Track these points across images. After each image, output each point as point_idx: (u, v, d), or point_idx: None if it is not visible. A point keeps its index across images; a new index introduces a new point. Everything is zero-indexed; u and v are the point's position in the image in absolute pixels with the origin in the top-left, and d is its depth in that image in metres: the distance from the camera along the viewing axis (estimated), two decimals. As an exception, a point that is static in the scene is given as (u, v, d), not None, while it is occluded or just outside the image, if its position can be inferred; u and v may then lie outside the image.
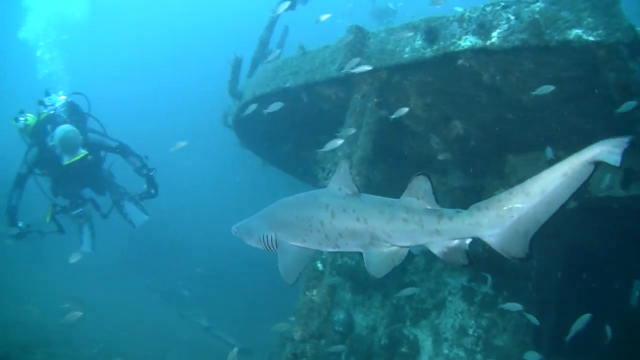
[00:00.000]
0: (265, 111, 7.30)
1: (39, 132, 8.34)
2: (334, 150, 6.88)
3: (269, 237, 3.59)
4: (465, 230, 2.78)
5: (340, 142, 6.67)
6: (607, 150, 2.34)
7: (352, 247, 3.21)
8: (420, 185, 2.91)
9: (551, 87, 5.79)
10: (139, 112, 44.75)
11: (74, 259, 9.14)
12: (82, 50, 41.58)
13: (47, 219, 8.44)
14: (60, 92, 9.07)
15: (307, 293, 6.14)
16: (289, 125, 9.11)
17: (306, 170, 10.17)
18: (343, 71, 7.00)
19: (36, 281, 15.16)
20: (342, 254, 6.20)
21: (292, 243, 3.48)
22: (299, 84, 7.75)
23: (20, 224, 8.07)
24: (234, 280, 21.54)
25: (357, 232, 3.13)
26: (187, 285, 20.60)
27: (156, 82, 49.18)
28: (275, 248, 3.57)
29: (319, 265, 6.23)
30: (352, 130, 6.75)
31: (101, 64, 51.77)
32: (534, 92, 5.86)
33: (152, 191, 8.69)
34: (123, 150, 8.66)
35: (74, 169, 8.01)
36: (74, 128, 7.90)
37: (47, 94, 8.91)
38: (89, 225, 9.17)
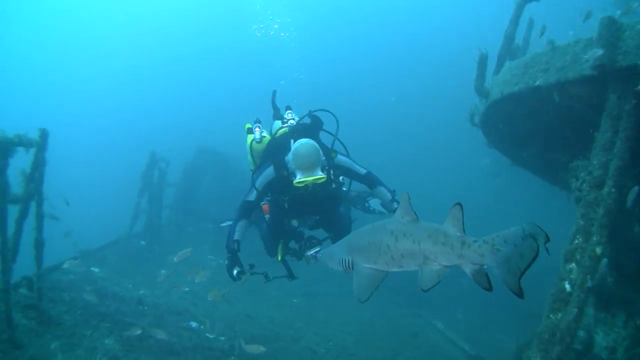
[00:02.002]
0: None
1: (277, 148, 6.91)
2: (587, 159, 6.25)
3: (347, 260, 4.35)
4: (476, 257, 3.36)
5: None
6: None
7: (412, 266, 3.82)
8: (456, 213, 3.54)
9: None
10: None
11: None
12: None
13: (278, 258, 7.05)
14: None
15: (551, 316, 5.60)
16: (539, 127, 8.44)
17: (556, 175, 9.42)
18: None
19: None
20: (593, 275, 5.59)
21: (366, 265, 4.12)
22: (549, 82, 6.98)
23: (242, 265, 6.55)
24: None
25: (414, 253, 3.74)
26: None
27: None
28: (351, 269, 4.29)
29: (567, 286, 5.65)
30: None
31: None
32: None
33: None
34: (371, 180, 7.12)
35: (309, 196, 6.44)
36: (315, 143, 6.34)
37: (288, 107, 7.68)
38: None
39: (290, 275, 6.96)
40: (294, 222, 7.17)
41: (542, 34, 9.63)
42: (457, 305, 18.17)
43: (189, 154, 24.03)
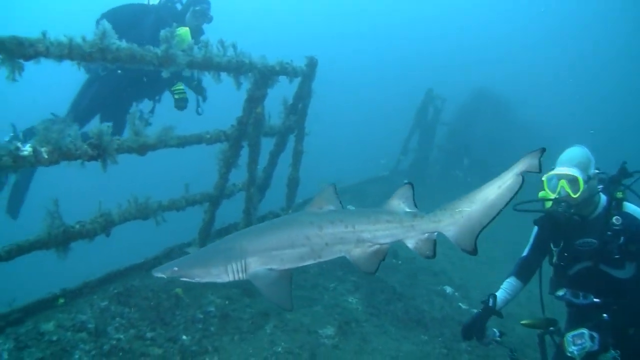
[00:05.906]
0: None
1: None
2: None
3: (239, 265, 3.60)
4: (432, 226, 3.58)
5: None
6: (528, 162, 3.27)
7: (336, 254, 3.65)
8: (405, 192, 3.71)
9: None
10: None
11: None
12: None
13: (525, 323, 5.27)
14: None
15: None
16: None
17: None
18: None
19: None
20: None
21: (266, 267, 3.61)
22: None
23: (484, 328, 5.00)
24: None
25: (345, 238, 3.62)
26: None
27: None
28: (244, 275, 3.62)
29: None
30: None
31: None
32: None
33: None
34: None
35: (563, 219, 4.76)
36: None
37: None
38: None
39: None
40: (560, 292, 5.13)
41: None
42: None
43: (465, 94, 22.68)
